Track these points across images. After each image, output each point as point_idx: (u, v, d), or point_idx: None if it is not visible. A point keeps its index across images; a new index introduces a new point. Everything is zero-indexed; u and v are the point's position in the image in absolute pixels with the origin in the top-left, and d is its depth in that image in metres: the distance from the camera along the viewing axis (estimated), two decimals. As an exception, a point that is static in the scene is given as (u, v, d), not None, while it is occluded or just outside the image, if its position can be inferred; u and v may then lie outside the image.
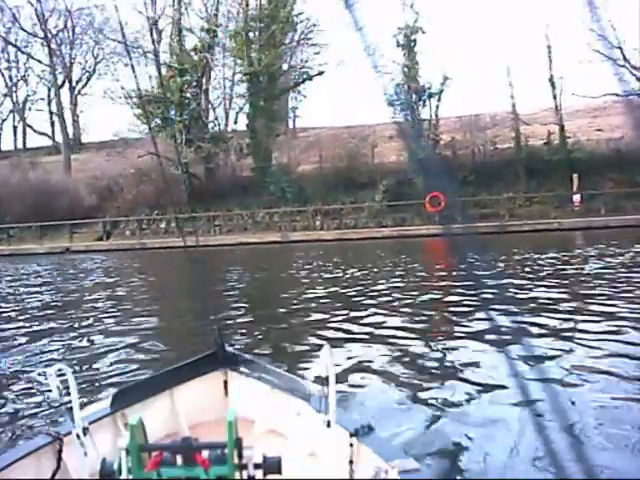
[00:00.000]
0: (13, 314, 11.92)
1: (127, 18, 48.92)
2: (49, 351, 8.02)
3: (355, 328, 8.51)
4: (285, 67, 48.50)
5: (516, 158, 37.65)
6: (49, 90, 62.61)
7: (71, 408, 2.66)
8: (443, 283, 13.56)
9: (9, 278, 21.19)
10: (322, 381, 2.64)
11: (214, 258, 24.91)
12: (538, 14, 66.60)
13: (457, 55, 75.52)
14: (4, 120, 65.86)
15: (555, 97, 39.35)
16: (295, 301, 11.68)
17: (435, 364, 6.39)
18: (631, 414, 4.59)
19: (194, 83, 44.87)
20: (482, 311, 8.68)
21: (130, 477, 1.79)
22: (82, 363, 7.13)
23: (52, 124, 63.96)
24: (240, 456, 1.81)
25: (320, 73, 48.33)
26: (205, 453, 1.81)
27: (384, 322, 8.91)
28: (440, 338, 7.85)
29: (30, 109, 65.96)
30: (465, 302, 10.03)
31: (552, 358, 6.17)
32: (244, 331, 8.75)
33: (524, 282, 12.23)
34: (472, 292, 10.86)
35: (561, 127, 38.16)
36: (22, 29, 59.43)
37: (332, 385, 2.62)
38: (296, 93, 54.76)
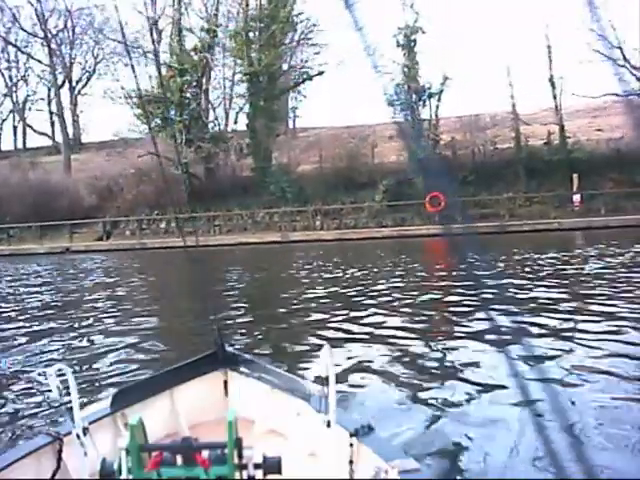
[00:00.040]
0: (13, 314, 11.92)
1: (127, 18, 48.99)
2: (49, 351, 8.01)
3: (355, 328, 8.51)
4: (285, 67, 48.50)
5: (516, 158, 37.65)
6: (49, 90, 62.72)
7: (71, 408, 2.66)
8: (443, 283, 13.56)
9: (9, 278, 21.18)
10: (322, 381, 2.64)
11: (214, 258, 24.91)
12: (538, 14, 66.64)
13: (457, 55, 75.62)
14: (4, 120, 65.99)
15: (555, 97, 39.36)
16: (295, 301, 11.68)
17: (435, 364, 6.39)
18: (631, 414, 4.59)
19: (194, 83, 44.87)
20: (482, 311, 8.68)
21: (130, 477, 1.79)
22: (82, 363, 7.13)
23: (52, 124, 64.05)
24: (240, 456, 1.81)
25: (320, 73, 48.37)
26: (205, 453, 1.81)
27: (384, 322, 8.91)
28: (440, 338, 7.85)
29: (30, 109, 66.17)
30: (465, 302, 10.03)
31: (552, 358, 6.17)
32: (244, 331, 8.75)
33: (524, 282, 12.23)
34: (472, 292, 10.86)
35: (561, 127, 38.16)
36: (22, 29, 59.53)
37: (332, 385, 2.62)
38: (296, 93, 54.81)
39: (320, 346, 2.84)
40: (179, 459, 1.80)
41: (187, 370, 3.57)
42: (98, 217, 42.55)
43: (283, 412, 3.19)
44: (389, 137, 41.58)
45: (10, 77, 63.21)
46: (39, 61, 61.23)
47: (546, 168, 35.87)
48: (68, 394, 2.64)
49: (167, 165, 39.34)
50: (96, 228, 42.18)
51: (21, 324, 10.61)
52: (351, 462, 2.53)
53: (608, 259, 15.79)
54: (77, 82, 62.82)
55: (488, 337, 7.08)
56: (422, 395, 5.27)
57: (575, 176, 34.27)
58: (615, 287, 11.07)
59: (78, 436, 2.66)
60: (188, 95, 44.53)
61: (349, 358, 6.64)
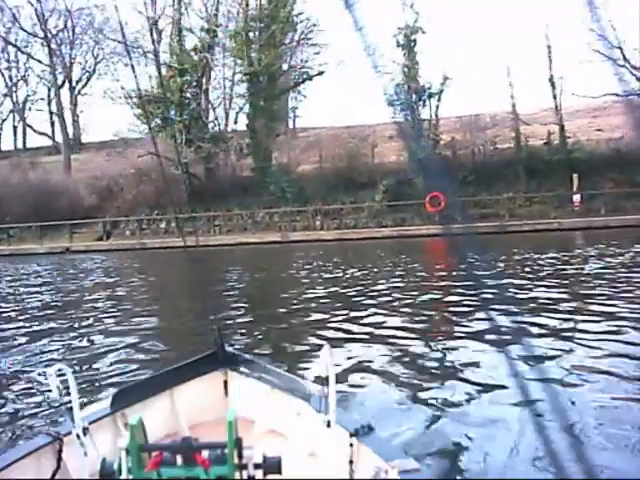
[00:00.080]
0: (13, 314, 11.92)
1: (127, 18, 49.00)
2: (49, 351, 8.01)
3: (355, 328, 8.51)
4: (285, 67, 48.50)
5: (516, 158, 37.66)
6: (49, 90, 62.72)
7: (71, 408, 2.66)
8: (443, 283, 13.57)
9: (9, 278, 21.18)
10: (322, 381, 2.64)
11: (214, 258, 24.91)
12: (538, 14, 66.64)
13: (457, 55, 75.60)
14: (4, 120, 65.96)
15: (555, 97, 39.36)
16: (295, 301, 11.68)
17: (435, 364, 6.39)
18: (631, 414, 4.59)
19: (194, 83, 44.87)
20: (482, 311, 8.69)
21: (130, 477, 1.79)
22: (82, 363, 7.13)
23: (52, 124, 64.04)
24: (240, 456, 1.81)
25: (320, 73, 48.37)
26: (205, 453, 1.81)
27: (384, 322, 8.91)
28: (440, 338, 7.85)
29: (30, 109, 66.19)
30: (465, 302, 10.04)
31: (552, 358, 6.17)
32: (244, 331, 8.75)
33: (524, 282, 12.23)
34: (472, 292, 10.86)
35: (561, 127, 38.16)
36: (22, 29, 59.52)
37: (332, 385, 2.62)
38: (296, 93, 54.81)
39: (320, 346, 2.84)
40: (179, 459, 1.80)
41: (187, 370, 3.57)
42: (98, 217, 42.55)
43: (283, 412, 3.19)
44: (389, 137, 41.58)
45: (10, 77, 63.30)
46: (39, 61, 61.34)
47: (546, 168, 35.87)
48: (68, 394, 2.64)
49: (167, 165, 39.36)
50: (96, 228, 42.18)
51: (21, 324, 10.61)
52: (351, 462, 2.53)
53: (608, 259, 15.79)
54: (77, 82, 62.90)
55: (488, 337, 7.08)
56: (422, 395, 5.27)
57: (575, 176, 34.27)
58: (615, 287, 11.07)
59: (78, 436, 2.66)
60: (188, 95, 44.53)
61: (349, 358, 6.65)
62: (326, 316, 9.59)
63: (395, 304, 10.53)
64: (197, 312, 9.46)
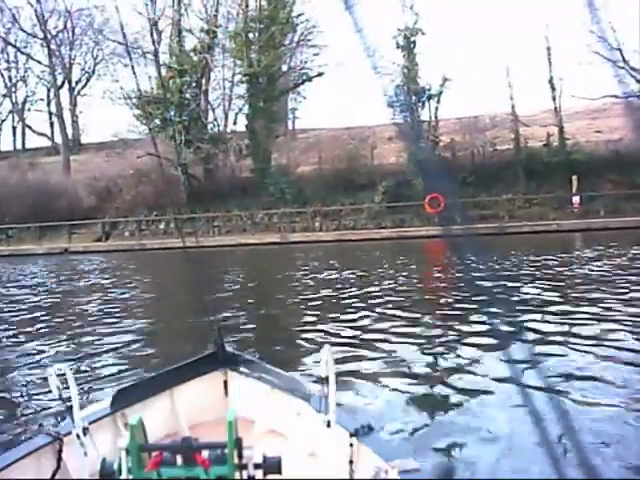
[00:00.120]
0: (13, 314, 11.92)
1: (127, 19, 48.99)
2: (49, 351, 8.01)
3: (354, 329, 8.51)
4: (285, 68, 48.48)
5: (515, 159, 37.65)
6: (48, 91, 62.60)
7: (71, 408, 2.66)
8: (442, 284, 13.58)
9: (8, 278, 21.17)
10: (322, 381, 2.65)
11: (213, 259, 24.90)
12: (538, 15, 66.71)
13: (457, 56, 75.20)
14: (3, 120, 65.79)
15: (554, 99, 39.36)
16: (294, 302, 11.68)
17: (435, 364, 6.40)
18: (631, 414, 4.59)
19: (194, 84, 44.85)
20: (480, 313, 8.70)
21: (130, 477, 1.79)
22: (82, 363, 7.12)
23: (51, 125, 63.94)
24: (240, 456, 1.81)
25: (319, 74, 48.32)
26: (205, 453, 1.81)
27: (383, 323, 8.91)
28: (439, 339, 7.84)
29: (29, 110, 65.75)
30: (464, 303, 10.04)
31: (552, 359, 6.18)
32: (242, 331, 8.75)
33: (524, 283, 12.24)
34: (471, 293, 10.88)
35: (560, 129, 38.17)
36: (22, 30, 59.41)
37: (332, 385, 2.62)
38: (295, 94, 54.81)
39: (319, 347, 2.85)
40: (179, 459, 1.80)
41: (187, 370, 3.57)
42: (97, 218, 42.50)
43: (283, 412, 3.19)
44: (388, 138, 41.59)
45: (9, 77, 63.20)
46: (39, 62, 61.21)
47: (545, 170, 35.88)
48: (68, 394, 2.64)
49: (166, 166, 39.39)
50: (95, 229, 42.14)
51: (21, 324, 10.62)
52: (351, 462, 2.53)
53: (606, 261, 15.81)
54: (76, 83, 62.82)
55: (487, 338, 7.08)
56: (422, 395, 5.28)
57: (574, 178, 34.29)
58: (613, 288, 11.08)
59: (78, 436, 2.66)
60: (187, 96, 44.49)
61: (349, 358, 6.65)
62: (325, 317, 9.60)
63: (394, 305, 10.52)
64: (196, 313, 9.46)
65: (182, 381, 3.49)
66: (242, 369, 3.59)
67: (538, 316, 8.77)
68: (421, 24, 39.44)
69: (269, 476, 1.86)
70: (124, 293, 14.97)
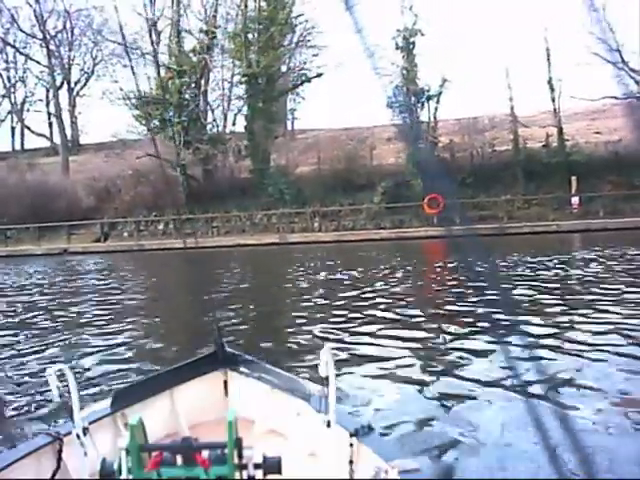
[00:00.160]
0: (12, 313, 11.92)
1: (126, 19, 48.88)
2: (48, 351, 8.01)
3: (353, 329, 8.52)
4: (284, 69, 48.46)
5: (514, 160, 37.66)
6: (47, 91, 62.54)
7: (71, 408, 2.66)
8: (440, 284, 13.57)
9: (7, 278, 21.16)
10: (322, 381, 2.65)
11: (212, 260, 24.90)
12: (537, 17, 66.72)
13: (456, 57, 75.37)
14: (2, 121, 65.63)
15: (553, 99, 39.39)
16: (293, 303, 11.68)
17: (435, 364, 6.40)
18: (631, 415, 4.59)
19: (193, 84, 44.86)
20: (479, 313, 8.71)
21: (130, 477, 1.79)
22: (81, 363, 7.12)
23: (50, 125, 63.91)
24: (240, 456, 1.81)
25: (319, 75, 48.31)
26: (205, 453, 1.81)
27: (382, 323, 8.91)
28: (438, 339, 7.85)
29: (28, 110, 65.73)
30: (463, 303, 10.05)
31: (552, 359, 6.18)
32: (241, 333, 8.75)
33: (522, 283, 12.24)
34: (469, 293, 10.90)
35: (559, 129, 38.20)
36: (21, 30, 59.35)
37: (332, 385, 2.62)
38: (294, 95, 54.76)
39: (319, 347, 2.84)
40: (179, 459, 1.80)
41: (187, 370, 3.57)
42: (96, 218, 42.46)
43: (283, 412, 3.19)
44: (387, 139, 41.65)
45: (8, 78, 63.21)
46: (37, 62, 61.14)
47: (544, 170, 35.90)
48: (68, 394, 2.64)
49: (165, 167, 39.36)
50: (94, 229, 42.11)
51: (21, 324, 10.62)
52: (351, 462, 2.53)
53: (604, 261, 15.83)
54: (75, 83, 62.76)
55: (487, 338, 7.10)
56: (421, 396, 5.28)
57: (573, 178, 34.31)
58: (612, 289, 11.08)
59: (78, 436, 2.66)
60: (187, 97, 44.50)
61: (348, 359, 6.65)
62: (324, 317, 9.60)
63: (393, 306, 10.52)
64: (196, 313, 9.46)
65: (182, 381, 3.49)
66: (242, 369, 3.59)
67: (542, 314, 8.79)
68: (420, 25, 39.49)
69: (269, 476, 1.86)
70: (122, 293, 14.97)
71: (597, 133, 40.73)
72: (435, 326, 8.74)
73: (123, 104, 48.17)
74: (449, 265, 17.37)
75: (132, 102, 46.33)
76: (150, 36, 47.30)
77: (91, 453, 2.64)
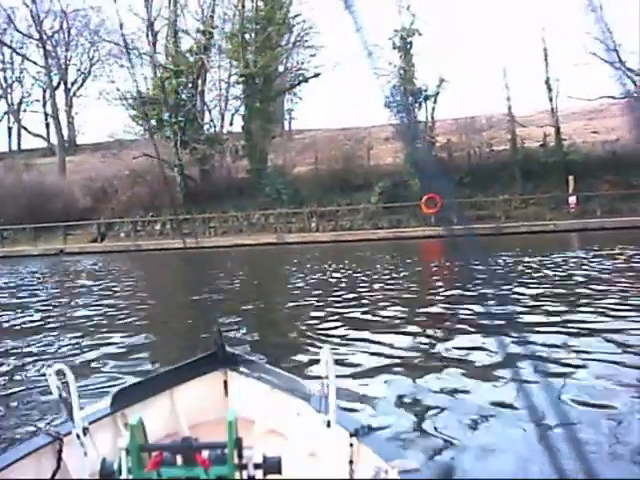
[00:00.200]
0: (11, 313, 11.91)
1: (123, 19, 48.90)
2: (47, 352, 8.00)
3: (353, 329, 8.51)
4: (281, 69, 48.51)
5: (512, 160, 37.72)
6: (44, 92, 62.49)
7: (71, 408, 2.66)
8: (439, 284, 13.59)
9: (6, 279, 21.14)
10: (322, 381, 2.65)
11: (210, 260, 24.88)
12: (534, 17, 66.89)
13: (453, 57, 75.59)
14: (-1, 121, 65.71)
15: (551, 99, 39.49)
16: (291, 303, 11.67)
17: (434, 364, 6.40)
18: (631, 416, 4.60)
19: (190, 85, 44.88)
20: (477, 312, 8.72)
21: (130, 477, 1.79)
22: (81, 363, 7.11)
23: (47, 126, 63.91)
24: (240, 456, 1.81)
25: (316, 75, 48.32)
26: (205, 453, 1.81)
27: (382, 323, 8.92)
28: (437, 339, 7.84)
29: (25, 110, 65.65)
30: (462, 303, 10.05)
31: (551, 359, 6.19)
32: (239, 334, 8.74)
33: (521, 283, 12.25)
34: (468, 293, 10.91)
35: (557, 129, 38.28)
36: (17, 30, 59.35)
37: (332, 385, 2.62)
38: (292, 95, 54.78)
39: (316, 348, 2.85)
40: (179, 459, 1.80)
41: (187, 370, 3.56)
42: (93, 219, 42.46)
43: (283, 412, 3.19)
44: (385, 139, 41.70)
45: (5, 78, 63.17)
46: (34, 62, 61.10)
47: (542, 170, 35.97)
48: (68, 394, 2.63)
49: (162, 167, 39.34)
50: (90, 230, 42.10)
51: (21, 324, 10.61)
52: (351, 462, 2.53)
53: (602, 260, 15.85)
54: (72, 84, 62.70)
55: (486, 337, 7.10)
56: (421, 395, 5.27)
57: (571, 178, 34.38)
58: (610, 289, 11.09)
59: (78, 436, 2.65)
60: (184, 97, 44.51)
61: (348, 359, 6.64)
62: (323, 317, 9.60)
63: (391, 306, 10.51)
64: (195, 313, 9.46)
65: (182, 381, 3.48)
66: (242, 369, 3.59)
67: (542, 314, 8.80)
68: (418, 25, 39.60)
69: (269, 476, 1.86)
70: (118, 293, 14.96)
71: (594, 133, 40.79)
72: (434, 326, 8.74)
73: (120, 104, 48.37)
74: (447, 264, 17.39)
75: (129, 102, 46.37)
76: (147, 36, 47.36)
77: (91, 453, 2.64)
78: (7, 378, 6.70)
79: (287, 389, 3.22)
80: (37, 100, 64.46)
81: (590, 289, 11.20)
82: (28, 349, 8.27)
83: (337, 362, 5.92)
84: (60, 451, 2.56)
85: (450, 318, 9.13)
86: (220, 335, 3.69)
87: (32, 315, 11.69)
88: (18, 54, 61.82)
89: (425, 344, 7.44)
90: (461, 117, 41.89)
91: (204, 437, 1.96)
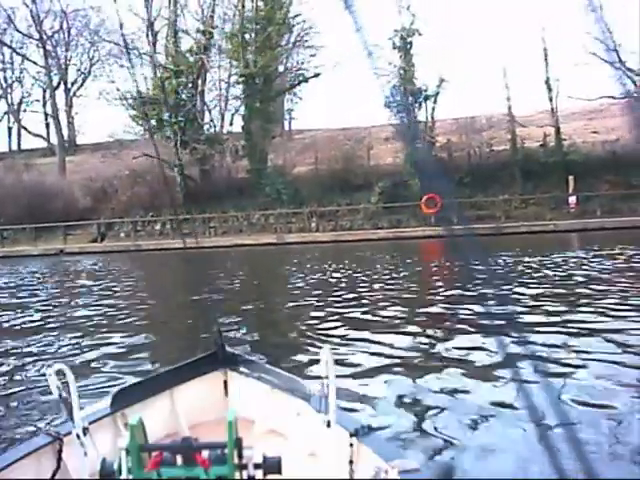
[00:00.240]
0: (11, 313, 11.91)
1: (123, 19, 48.91)
2: (47, 352, 8.00)
3: (353, 329, 8.51)
4: (281, 69, 48.51)
5: (512, 160, 37.73)
6: (44, 92, 62.49)
7: (71, 408, 2.66)
8: (439, 284, 13.58)
9: (5, 278, 21.14)
10: (322, 381, 2.65)
11: (210, 260, 24.88)
12: (535, 16, 66.89)
13: (453, 57, 75.58)
14: (-1, 121, 65.71)
15: (551, 99, 39.49)
16: (291, 303, 11.67)
17: (434, 364, 6.39)
18: (631, 416, 4.60)
19: (190, 85, 44.88)
20: (477, 312, 8.72)
21: (130, 477, 1.79)
22: (81, 363, 7.11)
23: (47, 126, 63.92)
24: (240, 456, 1.81)
25: (316, 75, 48.31)
26: (205, 453, 1.81)
27: (382, 323, 8.92)
28: (437, 339, 7.84)
29: (25, 111, 65.66)
30: (462, 303, 10.05)
31: (551, 359, 6.18)
32: (239, 334, 8.74)
33: (521, 283, 12.24)
34: (468, 293, 10.90)
35: (557, 129, 38.29)
36: (17, 30, 59.36)
37: (332, 385, 2.62)
38: (292, 95, 54.78)
39: (316, 349, 2.85)
40: (179, 459, 1.80)
41: (187, 370, 3.56)
42: (92, 219, 42.46)
43: (283, 412, 3.19)
44: (385, 139, 41.71)
45: (5, 78, 63.18)
46: (34, 62, 61.11)
47: (542, 170, 35.97)
48: (68, 394, 2.63)
49: (162, 167, 39.33)
50: (90, 230, 42.11)
51: (20, 323, 10.61)
52: (351, 462, 2.53)
53: (602, 260, 15.84)
54: (72, 84, 62.71)
55: (486, 337, 7.10)
56: (421, 395, 5.27)
57: (571, 178, 34.38)
58: (609, 289, 11.09)
59: (78, 436, 2.65)
60: (184, 97, 44.51)
61: (347, 359, 6.64)
62: (322, 317, 9.60)
63: (391, 306, 10.51)
64: (195, 313, 9.45)
65: (182, 381, 3.48)
66: (242, 369, 3.58)
67: (542, 315, 8.80)
68: (418, 25, 39.61)
69: (269, 476, 1.86)
70: (118, 293, 14.96)
71: (594, 133, 40.80)
72: (434, 326, 8.74)
73: (120, 104, 48.36)
74: (447, 264, 17.39)
75: (129, 102, 46.38)
76: (147, 36, 47.37)
77: (91, 453, 2.64)
78: (7, 378, 6.70)
79: (287, 389, 3.22)
80: (37, 100, 64.59)
81: (590, 289, 11.21)
82: (28, 349, 8.27)
83: (337, 362, 5.93)
84: (60, 451, 2.56)
85: (450, 318, 9.13)
86: (220, 335, 3.69)
87: (32, 315, 11.69)
88: (18, 54, 61.90)
89: (425, 344, 7.44)
90: (461, 117, 41.90)
91: (204, 437, 1.96)
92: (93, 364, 7.08)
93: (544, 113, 40.94)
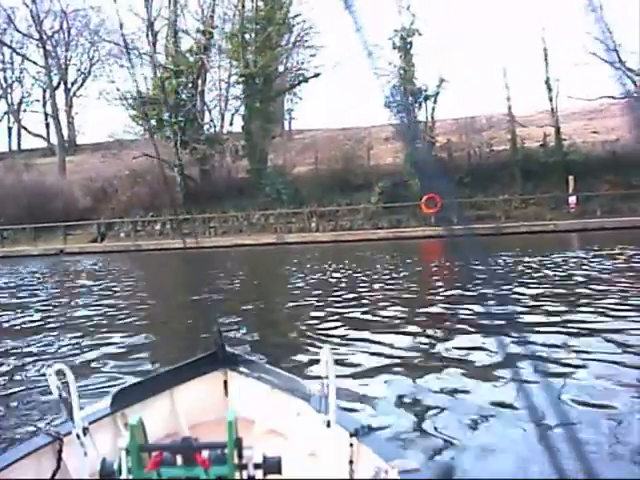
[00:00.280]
0: (11, 313, 11.91)
1: (123, 19, 48.91)
2: (47, 352, 8.00)
3: (353, 329, 8.51)
4: (281, 69, 48.50)
5: (512, 160, 37.72)
6: (44, 92, 62.47)
7: (71, 408, 2.66)
8: (439, 284, 13.58)
9: (5, 278, 21.14)
10: (322, 381, 2.65)
11: (210, 260, 24.88)
12: (534, 17, 66.89)
13: (453, 57, 75.55)
14: (-1, 121, 65.68)
15: (551, 99, 39.48)
16: (291, 303, 11.67)
17: (434, 364, 6.39)
18: (631, 416, 4.60)
19: (190, 85, 44.88)
20: (477, 312, 8.71)
21: (130, 477, 1.79)
22: (81, 363, 7.11)
23: (47, 126, 63.90)
24: (240, 456, 1.81)
25: (316, 75, 48.31)
26: (205, 453, 1.80)
27: (382, 323, 8.92)
28: (437, 339, 7.84)
29: (25, 111, 65.63)
30: (462, 303, 10.04)
31: (551, 359, 6.18)
32: (239, 334, 8.74)
33: (521, 283, 12.24)
34: (468, 293, 10.90)
35: (557, 129, 38.28)
36: (17, 30, 59.34)
37: (332, 385, 2.62)
38: (292, 95, 54.77)
39: (316, 349, 2.85)
40: (179, 459, 1.80)
41: (187, 370, 3.56)
42: (92, 219, 42.45)
43: (283, 412, 3.19)
44: (385, 139, 41.70)
45: (5, 78, 63.17)
46: (34, 62, 61.08)
47: (542, 170, 35.97)
48: (68, 394, 2.63)
49: (162, 167, 39.33)
50: (90, 230, 42.10)
51: (20, 323, 10.61)
52: (351, 462, 2.53)
53: (602, 260, 15.84)
54: (72, 84, 62.69)
55: (486, 337, 7.10)
56: (421, 395, 5.27)
57: (571, 178, 34.38)
58: (608, 289, 11.09)
59: (78, 436, 2.65)
60: (184, 97, 44.50)
61: (347, 359, 6.64)
62: (322, 317, 9.59)
63: (390, 306, 10.51)
64: (195, 313, 9.45)
65: (182, 381, 3.48)
66: (242, 369, 3.58)
67: (542, 315, 8.80)
68: (418, 25, 39.59)
69: (269, 476, 1.86)
70: (118, 293, 14.96)
71: (594, 133, 40.80)
72: (434, 326, 8.74)
73: (120, 104, 48.35)
74: (447, 264, 17.39)
75: (129, 102, 46.37)
76: (147, 36, 47.36)
77: (91, 453, 2.64)
78: (7, 378, 6.70)
79: (287, 389, 3.22)
80: (37, 100, 64.57)
81: (590, 289, 11.20)
82: (28, 349, 8.27)
83: (337, 362, 5.92)
84: (60, 451, 2.56)
85: (450, 318, 9.13)
86: (220, 335, 3.69)
87: (32, 315, 11.69)
88: (18, 54, 61.88)
89: (425, 344, 7.44)
90: (461, 117, 41.89)
91: (204, 437, 1.96)
92: (93, 364, 7.08)
93: (544, 113, 40.94)
